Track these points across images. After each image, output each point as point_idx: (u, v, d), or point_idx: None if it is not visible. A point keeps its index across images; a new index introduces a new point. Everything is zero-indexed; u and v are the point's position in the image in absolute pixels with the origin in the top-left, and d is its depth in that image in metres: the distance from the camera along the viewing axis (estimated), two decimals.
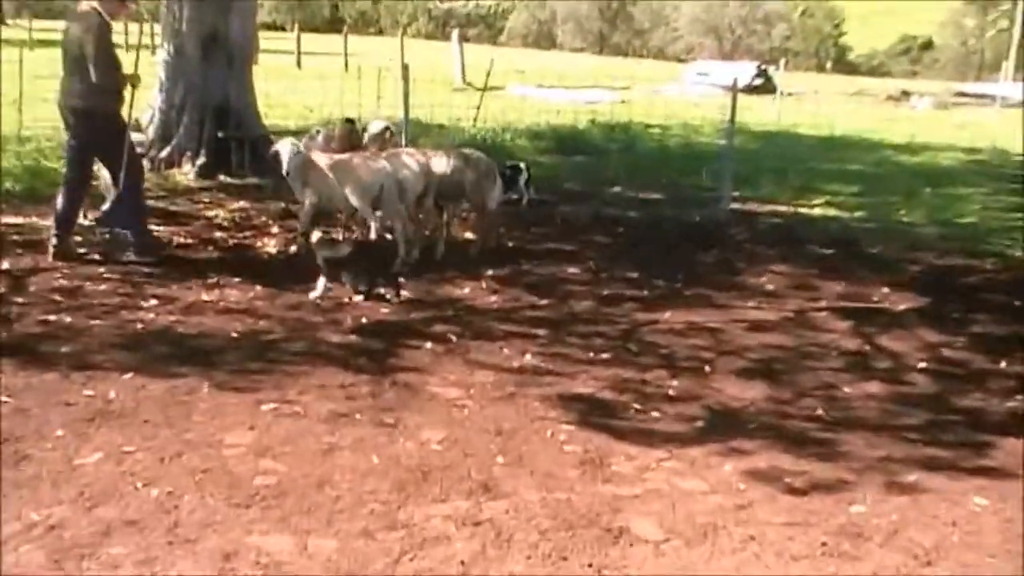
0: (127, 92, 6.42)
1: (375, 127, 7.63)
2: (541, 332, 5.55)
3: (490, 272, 6.83)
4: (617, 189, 10.61)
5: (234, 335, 5.20)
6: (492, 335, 5.45)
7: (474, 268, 6.91)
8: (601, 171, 11.44)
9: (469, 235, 7.80)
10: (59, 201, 6.52)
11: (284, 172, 6.73)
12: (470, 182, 7.20)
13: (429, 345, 5.20)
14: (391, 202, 6.89)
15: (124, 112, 6.48)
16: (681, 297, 6.47)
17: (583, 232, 8.35)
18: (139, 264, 6.44)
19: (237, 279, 6.32)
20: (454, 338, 5.35)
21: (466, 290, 6.43)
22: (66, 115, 6.35)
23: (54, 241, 6.40)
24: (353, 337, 5.29)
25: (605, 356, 5.18)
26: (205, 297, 5.91)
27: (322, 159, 6.93)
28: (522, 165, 9.47)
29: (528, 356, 5.10)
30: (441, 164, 7.20)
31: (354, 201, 6.81)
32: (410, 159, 7.06)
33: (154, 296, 5.83)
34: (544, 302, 6.22)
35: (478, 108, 14.26)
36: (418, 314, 5.80)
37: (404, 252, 6.94)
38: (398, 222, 7.00)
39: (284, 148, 6.74)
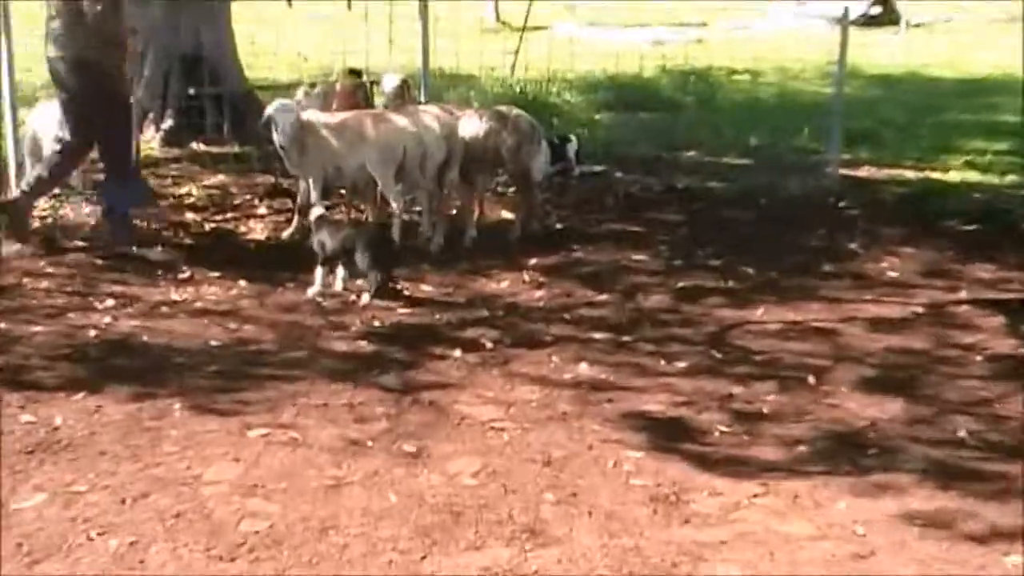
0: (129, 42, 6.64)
1: (390, 83, 7.64)
2: (599, 336, 5.53)
3: (534, 261, 6.84)
4: (693, 154, 10.51)
5: (213, 343, 5.25)
6: (537, 340, 5.45)
7: (514, 256, 6.93)
8: (673, 131, 11.34)
9: (507, 215, 7.81)
10: (43, 166, 6.74)
11: (279, 145, 6.80)
12: (508, 148, 7.21)
13: (458, 353, 5.21)
14: (413, 172, 6.92)
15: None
16: (778, 289, 6.42)
17: (651, 208, 8.29)
18: (103, 254, 6.54)
19: (215, 273, 6.37)
20: (490, 344, 5.35)
21: (504, 284, 6.44)
22: (59, 70, 6.52)
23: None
24: (363, 344, 5.32)
25: (681, 365, 5.15)
26: (176, 296, 5.97)
27: (325, 120, 6.96)
28: (572, 137, 9.49)
29: (583, 366, 5.09)
30: (471, 125, 7.22)
31: (375, 171, 6.84)
32: (430, 118, 7.09)
33: (110, 295, 5.91)
34: (603, 298, 6.21)
35: (516, 54, 14.24)
36: (444, 315, 5.82)
37: (430, 234, 7.00)
38: (423, 197, 7.04)
39: (279, 112, 6.82)
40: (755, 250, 7.18)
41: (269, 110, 6.91)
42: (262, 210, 7.83)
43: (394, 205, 6.95)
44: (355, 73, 8.51)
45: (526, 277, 6.55)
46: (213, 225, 7.46)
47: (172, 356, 5.06)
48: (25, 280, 6.08)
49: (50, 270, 6.29)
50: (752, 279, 6.63)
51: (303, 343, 5.30)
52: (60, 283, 6.08)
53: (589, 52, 15.87)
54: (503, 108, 7.63)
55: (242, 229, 7.40)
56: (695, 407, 4.67)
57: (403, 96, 7.54)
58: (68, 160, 6.82)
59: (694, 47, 18.15)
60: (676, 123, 11.80)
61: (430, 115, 7.14)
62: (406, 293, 6.14)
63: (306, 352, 5.18)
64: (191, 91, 9.59)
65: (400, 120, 6.97)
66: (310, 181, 6.95)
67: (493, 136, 7.19)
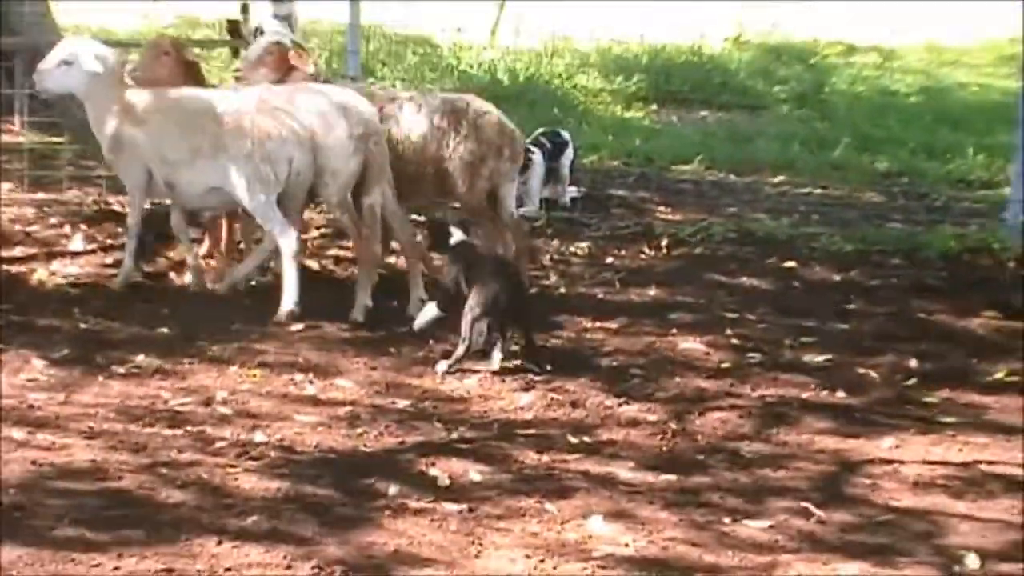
0: None
1: (263, 39, 7.60)
2: (626, 475, 5.53)
3: (519, 346, 6.86)
4: (782, 180, 10.62)
5: None
6: (521, 477, 5.46)
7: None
8: (752, 142, 11.46)
9: None
10: None
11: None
12: (461, 162, 7.35)
13: (393, 490, 5.18)
14: (298, 193, 7.03)
15: None
16: (920, 407, 6.46)
17: (714, 267, 8.46)
18: None
19: None
20: (444, 480, 5.35)
21: (470, 382, 6.47)
22: None
23: None
24: (241, 482, 5.25)
25: (761, 527, 5.11)
26: None
27: (161, 97, 7.10)
28: (565, 134, 9.69)
29: (597, 523, 5.07)
30: (410, 119, 7.34)
31: (239, 192, 6.93)
32: (336, 105, 7.12)
33: None
34: (631, 411, 6.23)
35: (501, 8, 14.42)
36: (371, 430, 5.81)
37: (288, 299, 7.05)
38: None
39: (78, 60, 6.96)
40: (883, 341, 7.24)
41: (61, 54, 7.04)
42: (76, 244, 7.91)
43: (285, 246, 7.00)
44: (234, 25, 8.57)
45: (509, 371, 6.58)
46: None
47: None
48: None
49: None
50: (878, 389, 6.67)
51: (140, 471, 5.26)
52: None
53: (618, 12, 16.07)
54: (456, 97, 7.76)
55: (40, 277, 7.46)
56: None
57: (278, 66, 7.42)
58: None
59: (789, 6, 18.41)
60: (757, 130, 11.92)
61: (335, 99, 7.16)
62: (311, 392, 6.17)
63: (148, 485, 5.13)
64: None
65: (285, 108, 7.02)
66: (135, 190, 7.13)
67: (436, 141, 7.35)
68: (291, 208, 7.07)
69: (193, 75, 7.56)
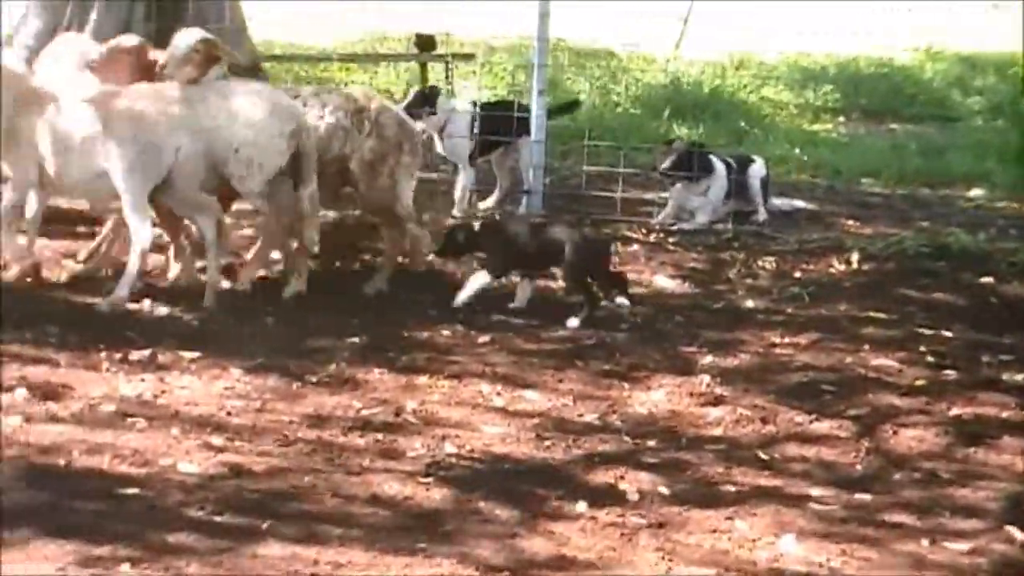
0: None
1: (190, 36, 7.68)
2: (817, 492, 5.49)
3: (708, 360, 6.93)
4: (981, 194, 10.45)
5: (211, 474, 5.26)
6: (713, 493, 5.44)
7: (676, 351, 7.02)
8: (946, 155, 11.28)
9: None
10: None
11: None
12: (365, 159, 7.55)
13: (582, 507, 5.16)
14: (188, 184, 7.11)
15: None
16: None
17: (904, 282, 8.43)
18: None
19: (192, 353, 6.46)
20: (633, 495, 5.33)
21: (659, 394, 6.47)
22: None
23: None
24: (419, 491, 5.25)
25: (958, 549, 5.01)
26: (127, 388, 6.02)
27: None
28: (756, 159, 9.70)
29: (788, 542, 5.00)
30: (314, 117, 7.47)
31: (118, 179, 6.99)
32: (255, 101, 7.26)
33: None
34: (823, 427, 6.20)
35: (685, 23, 14.36)
36: (555, 441, 5.81)
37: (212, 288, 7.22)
38: (206, 219, 7.20)
39: None
40: None
41: None
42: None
43: (138, 238, 7.05)
44: (426, 40, 8.61)
45: (697, 385, 6.60)
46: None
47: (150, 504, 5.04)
48: None
49: None
50: None
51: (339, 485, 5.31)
52: None
53: (802, 25, 15.99)
54: (359, 95, 7.92)
55: (240, 286, 7.58)
56: None
57: (205, 64, 7.44)
58: None
59: (985, 15, 18.10)
60: (949, 142, 11.74)
61: (256, 96, 7.32)
62: (499, 404, 6.20)
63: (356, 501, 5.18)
64: None
65: (178, 102, 7.15)
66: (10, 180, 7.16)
67: (339, 140, 7.53)
68: (185, 195, 7.16)
69: (151, 77, 7.52)
